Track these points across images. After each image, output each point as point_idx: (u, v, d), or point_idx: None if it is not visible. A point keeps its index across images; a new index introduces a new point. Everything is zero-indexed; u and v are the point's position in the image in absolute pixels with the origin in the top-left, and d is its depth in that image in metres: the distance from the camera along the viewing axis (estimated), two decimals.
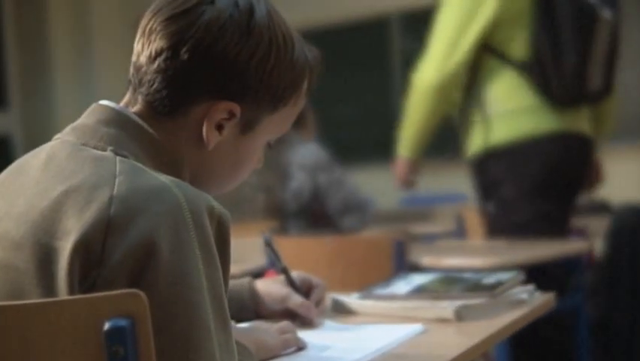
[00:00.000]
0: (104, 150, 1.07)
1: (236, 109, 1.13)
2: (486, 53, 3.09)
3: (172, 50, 1.10)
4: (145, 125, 1.12)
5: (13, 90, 6.60)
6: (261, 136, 1.18)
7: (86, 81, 6.52)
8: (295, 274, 1.54)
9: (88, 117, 1.13)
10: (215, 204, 1.03)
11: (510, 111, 3.05)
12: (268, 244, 1.57)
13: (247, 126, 1.16)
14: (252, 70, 1.12)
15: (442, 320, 1.47)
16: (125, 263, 0.95)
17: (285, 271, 1.52)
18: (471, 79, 3.15)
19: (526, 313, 1.53)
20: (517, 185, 3.05)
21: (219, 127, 1.13)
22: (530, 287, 1.62)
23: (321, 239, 2.71)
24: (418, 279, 1.69)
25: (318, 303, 1.52)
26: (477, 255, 2.58)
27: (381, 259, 2.46)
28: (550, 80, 2.96)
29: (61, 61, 6.52)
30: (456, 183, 5.98)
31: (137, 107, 1.13)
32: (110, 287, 0.93)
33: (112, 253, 0.95)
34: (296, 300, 1.49)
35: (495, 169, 3.10)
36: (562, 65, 2.94)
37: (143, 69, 1.12)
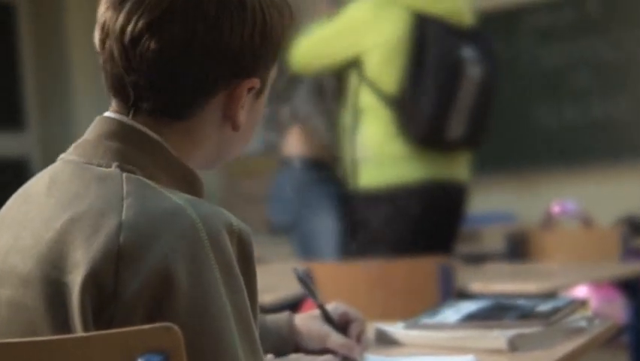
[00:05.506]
0: (109, 167, 1.04)
1: (256, 82, 1.13)
2: (362, 87, 3.32)
3: (178, 50, 1.08)
4: (151, 134, 1.09)
5: (30, 111, 6.65)
6: (267, 90, 1.19)
7: (105, 101, 6.55)
8: (332, 306, 1.50)
9: (90, 132, 1.11)
10: (234, 220, 1.01)
11: (380, 157, 3.30)
12: (302, 280, 1.52)
13: (260, 90, 1.16)
14: (257, 43, 1.11)
15: (495, 351, 1.46)
16: (141, 296, 0.94)
17: (321, 308, 1.49)
18: (354, 119, 3.39)
19: (586, 343, 1.51)
20: (379, 232, 3.28)
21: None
22: (589, 314, 1.61)
23: (360, 264, 2.70)
24: (468, 306, 1.67)
25: (359, 338, 1.49)
26: (530, 279, 2.56)
27: (426, 284, 2.45)
28: (409, 118, 3.22)
29: (80, 80, 6.56)
30: (503, 202, 5.96)
31: (144, 114, 1.11)
32: (128, 323, 0.92)
33: (126, 285, 0.94)
34: (337, 340, 1.45)
35: (361, 212, 3.36)
36: (420, 107, 3.19)
37: (143, 71, 1.09)
